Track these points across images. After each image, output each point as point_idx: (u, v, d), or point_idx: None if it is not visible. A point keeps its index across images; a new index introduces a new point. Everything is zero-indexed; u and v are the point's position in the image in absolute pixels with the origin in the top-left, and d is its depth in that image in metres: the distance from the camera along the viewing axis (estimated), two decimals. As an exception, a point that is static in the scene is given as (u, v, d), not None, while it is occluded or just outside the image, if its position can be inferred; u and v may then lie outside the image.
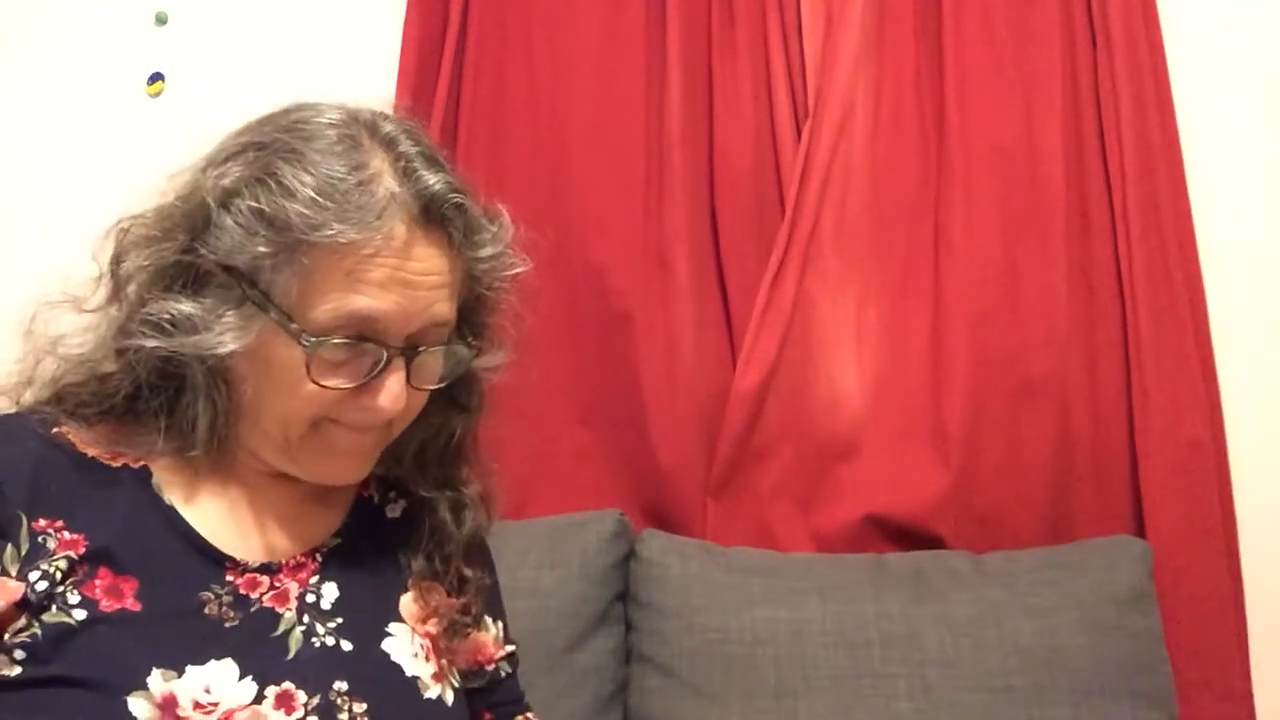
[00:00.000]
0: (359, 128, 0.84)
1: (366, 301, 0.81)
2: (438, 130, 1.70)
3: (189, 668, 0.79)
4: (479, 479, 1.00)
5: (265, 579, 0.87)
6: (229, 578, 0.86)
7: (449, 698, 0.92)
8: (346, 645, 0.87)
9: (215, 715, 0.79)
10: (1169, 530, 1.51)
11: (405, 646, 0.90)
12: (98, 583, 0.80)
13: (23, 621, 0.78)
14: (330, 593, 0.89)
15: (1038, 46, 1.62)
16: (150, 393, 0.85)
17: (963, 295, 1.59)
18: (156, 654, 0.79)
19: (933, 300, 1.62)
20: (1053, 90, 1.61)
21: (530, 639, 1.09)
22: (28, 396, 0.88)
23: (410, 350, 0.84)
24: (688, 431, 1.62)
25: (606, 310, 1.66)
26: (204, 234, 0.82)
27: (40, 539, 0.81)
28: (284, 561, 0.89)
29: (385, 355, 0.83)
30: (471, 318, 0.92)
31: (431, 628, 0.94)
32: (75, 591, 0.79)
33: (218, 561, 0.86)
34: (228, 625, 0.83)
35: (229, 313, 0.81)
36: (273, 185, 0.80)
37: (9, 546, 0.80)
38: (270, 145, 0.82)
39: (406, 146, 0.84)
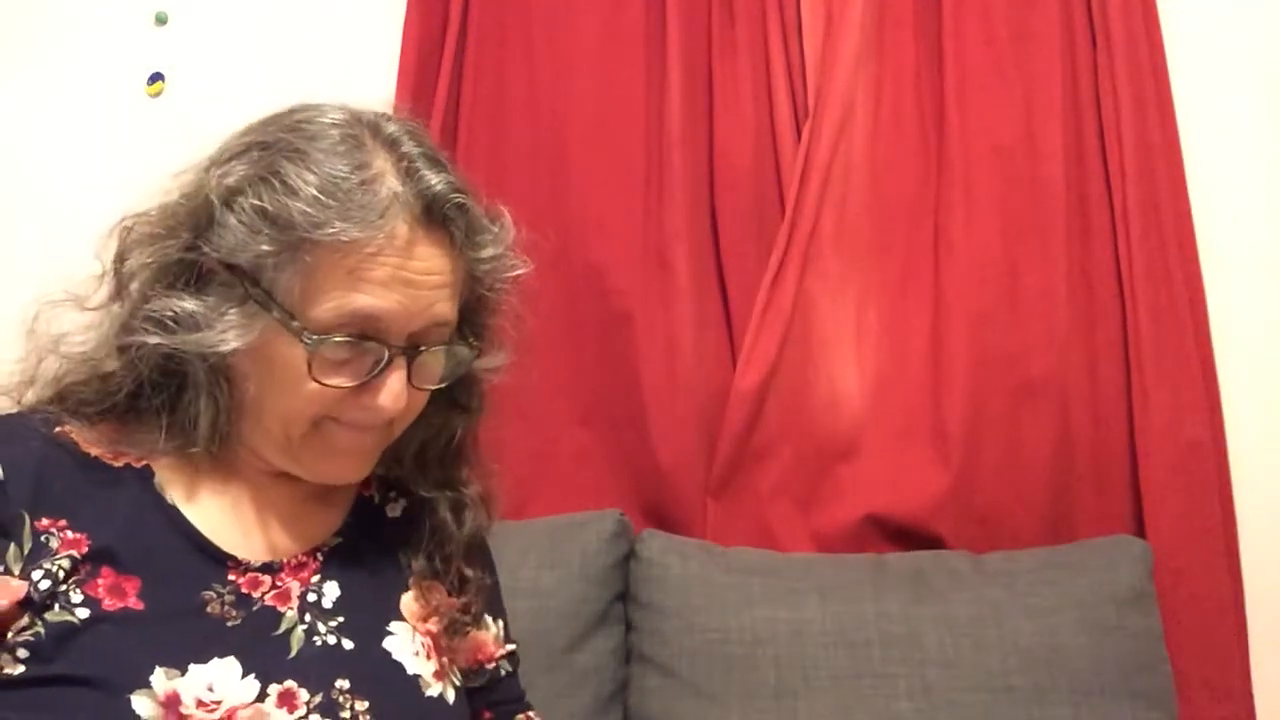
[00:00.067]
0: (362, 128, 0.85)
1: (368, 300, 0.81)
2: (438, 130, 1.70)
3: (192, 666, 0.79)
4: (479, 479, 1.01)
5: (267, 578, 0.88)
6: (231, 577, 0.86)
7: (450, 696, 0.92)
8: (348, 644, 0.87)
9: (218, 713, 0.79)
10: (1169, 530, 1.51)
11: (406, 645, 0.91)
12: (100, 582, 0.81)
13: (26, 620, 0.78)
14: (331, 591, 0.90)
15: (1038, 46, 1.62)
16: (152, 390, 0.86)
17: (963, 295, 1.59)
18: (159, 652, 0.79)
19: (933, 300, 1.62)
20: (1053, 90, 1.61)
21: (530, 639, 1.09)
22: (30, 396, 0.88)
23: (411, 350, 0.85)
24: (688, 431, 1.62)
25: (606, 310, 1.66)
26: (207, 232, 0.82)
27: (43, 538, 0.81)
28: (285, 561, 0.89)
29: (387, 354, 0.83)
30: (473, 319, 0.92)
31: (432, 626, 0.94)
32: (78, 590, 0.80)
33: (220, 561, 0.86)
34: (230, 624, 0.84)
35: (231, 311, 0.82)
36: (276, 184, 0.81)
37: (12, 545, 0.80)
38: (274, 145, 0.83)
39: (409, 147, 0.85)
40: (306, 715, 0.82)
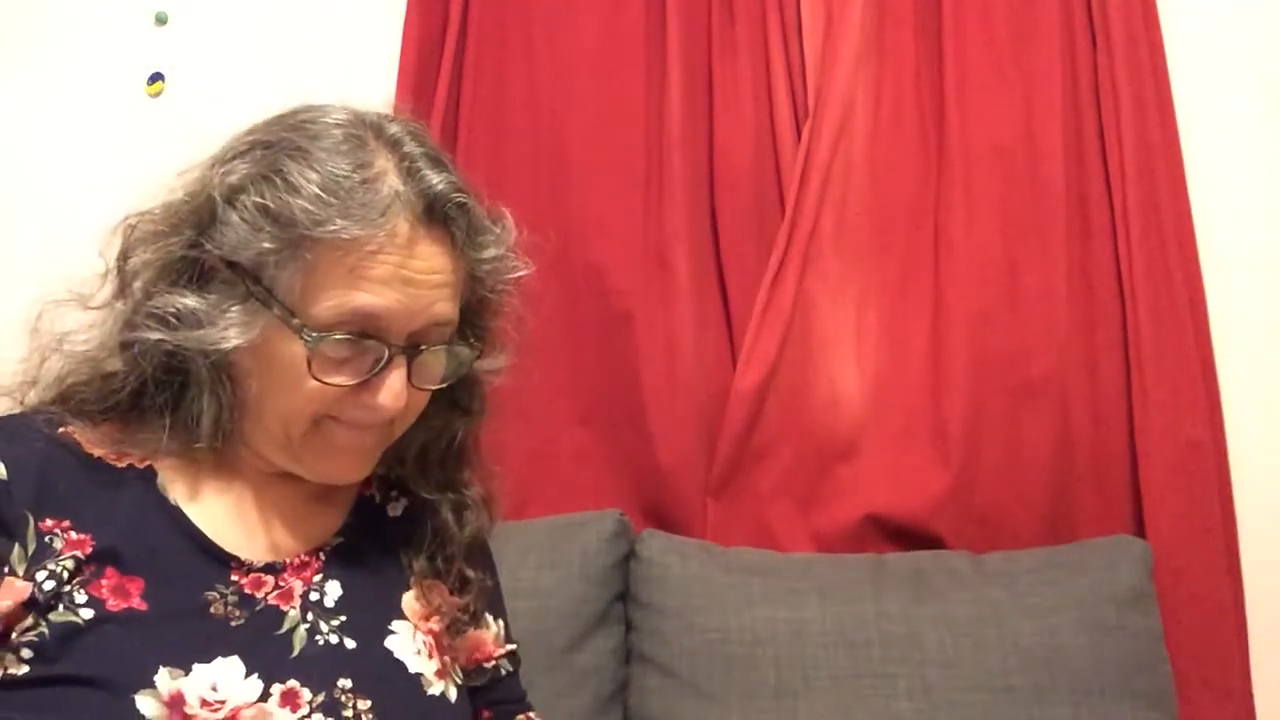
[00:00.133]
0: (365, 128, 0.85)
1: (368, 298, 0.81)
2: (438, 130, 1.70)
3: (196, 666, 0.80)
4: (481, 481, 1.01)
5: (270, 578, 0.88)
6: (234, 577, 0.86)
7: (452, 695, 0.92)
8: (350, 643, 0.88)
9: (222, 713, 0.79)
10: (1169, 530, 1.51)
11: (408, 644, 0.91)
12: (104, 582, 0.81)
13: (30, 621, 0.78)
14: (334, 591, 0.90)
15: (1038, 46, 1.62)
16: (155, 389, 0.86)
17: (963, 295, 1.59)
18: (163, 653, 0.79)
19: (933, 300, 1.62)
20: (1053, 90, 1.61)
21: (530, 639, 1.09)
22: (32, 396, 0.89)
23: (412, 349, 0.85)
24: (688, 431, 1.62)
25: (606, 310, 1.66)
26: (210, 230, 0.83)
27: (47, 539, 0.81)
28: (288, 560, 0.89)
29: (387, 353, 0.83)
30: (474, 320, 0.93)
31: (434, 625, 0.94)
32: (82, 591, 0.80)
33: (222, 561, 0.86)
34: (233, 624, 0.84)
35: (233, 308, 0.82)
36: (278, 182, 0.81)
37: (16, 546, 0.80)
38: (277, 144, 0.83)
39: (411, 147, 0.85)
40: (309, 714, 0.82)
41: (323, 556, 0.92)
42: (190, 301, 0.83)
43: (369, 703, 0.85)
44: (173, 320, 0.83)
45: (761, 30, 1.69)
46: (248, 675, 0.81)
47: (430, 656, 0.92)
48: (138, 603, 0.81)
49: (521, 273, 0.93)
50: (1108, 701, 1.34)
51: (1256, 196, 1.62)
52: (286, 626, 0.86)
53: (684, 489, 1.62)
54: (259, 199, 0.81)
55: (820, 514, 1.62)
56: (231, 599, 0.85)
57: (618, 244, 1.66)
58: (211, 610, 0.84)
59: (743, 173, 1.67)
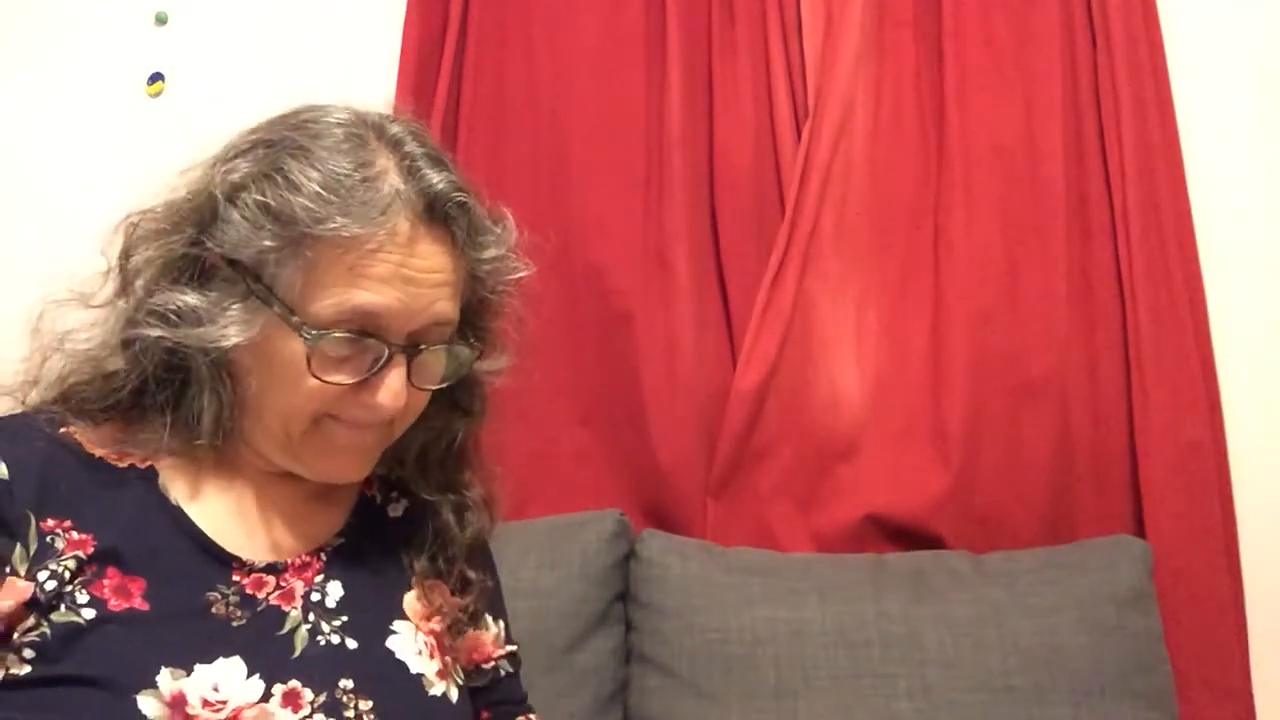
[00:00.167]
0: (366, 128, 0.86)
1: (368, 296, 0.81)
2: (438, 130, 1.70)
3: (197, 666, 0.80)
4: (481, 482, 1.01)
5: (271, 578, 0.88)
6: (235, 577, 0.86)
7: (453, 695, 0.92)
8: (352, 643, 0.88)
9: (224, 713, 0.79)
10: (1169, 530, 1.51)
11: (409, 644, 0.91)
12: (106, 582, 0.81)
13: (32, 621, 0.78)
14: (335, 591, 0.90)
15: (1038, 46, 1.62)
16: (157, 387, 0.86)
17: (963, 295, 1.59)
18: (165, 653, 0.79)
19: (933, 300, 1.62)
20: (1053, 90, 1.61)
21: (530, 639, 1.09)
22: (34, 396, 0.89)
23: (412, 348, 0.85)
24: (688, 431, 1.62)
25: (606, 310, 1.66)
26: (211, 228, 0.83)
27: (48, 539, 0.81)
28: (289, 561, 0.90)
29: (386, 352, 0.83)
30: (475, 321, 0.93)
31: (435, 625, 0.94)
32: (84, 591, 0.80)
33: (224, 561, 0.86)
34: (235, 624, 0.84)
35: (234, 306, 0.82)
36: (279, 180, 0.81)
37: (18, 546, 0.80)
38: (279, 143, 0.84)
39: (412, 147, 0.86)
40: (311, 715, 0.82)
41: (324, 557, 0.92)
42: (191, 299, 0.83)
43: (370, 703, 0.85)
44: (173, 317, 0.83)
45: (761, 30, 1.69)
46: (249, 676, 0.81)
47: (432, 657, 0.92)
48: (139, 603, 0.81)
49: (522, 274, 0.94)
50: (1108, 701, 1.34)
51: (1256, 196, 1.62)
52: (288, 627, 0.86)
53: (684, 489, 1.62)
54: (260, 197, 0.81)
55: (820, 514, 1.62)
56: (233, 599, 0.85)
57: (618, 244, 1.66)
58: (213, 610, 0.84)
59: (743, 173, 1.67)
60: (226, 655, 0.81)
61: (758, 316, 1.62)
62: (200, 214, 0.84)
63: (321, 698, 0.83)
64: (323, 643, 0.86)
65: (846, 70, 1.65)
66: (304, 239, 0.80)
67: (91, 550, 0.81)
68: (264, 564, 0.88)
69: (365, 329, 0.83)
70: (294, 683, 0.83)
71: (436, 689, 0.90)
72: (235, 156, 0.84)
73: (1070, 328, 1.57)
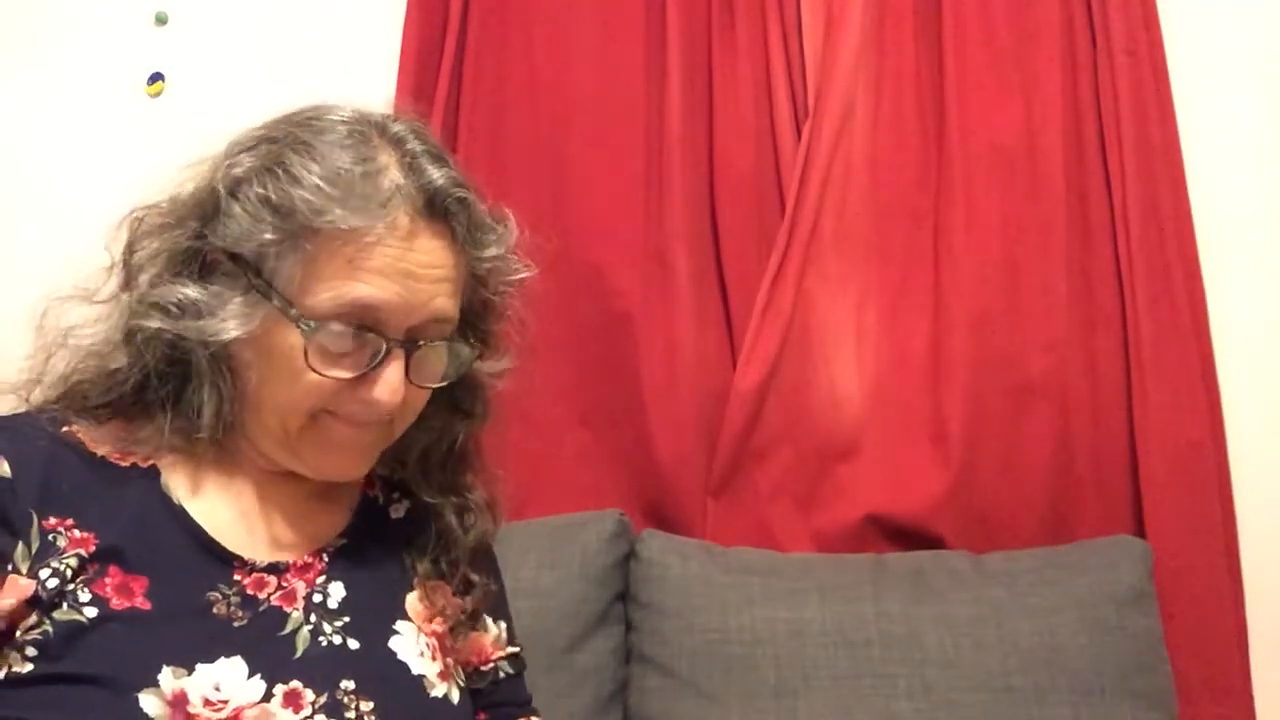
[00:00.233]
0: (369, 126, 0.86)
1: (367, 290, 0.82)
2: (438, 130, 1.69)
3: (199, 666, 0.80)
4: (483, 485, 1.01)
5: (273, 579, 0.88)
6: (236, 577, 0.86)
7: (455, 696, 0.92)
8: (353, 644, 0.88)
9: (225, 713, 0.79)
10: (1169, 530, 1.51)
11: (411, 645, 0.91)
12: (108, 581, 0.81)
13: (34, 619, 0.78)
14: (337, 592, 0.90)
15: (1038, 46, 1.62)
16: (158, 381, 0.86)
17: (963, 295, 1.59)
18: (167, 652, 0.79)
19: (933, 300, 1.62)
20: (1053, 90, 1.61)
21: (530, 639, 1.09)
22: (37, 395, 0.89)
23: (410, 343, 0.85)
24: (688, 431, 1.62)
25: (606, 311, 1.66)
26: (213, 221, 0.84)
27: (50, 537, 0.81)
28: (291, 561, 0.90)
29: (384, 346, 0.83)
30: (477, 323, 0.93)
31: (437, 626, 0.94)
32: (86, 589, 0.80)
33: (225, 561, 0.86)
34: (236, 624, 0.84)
35: (234, 300, 0.83)
36: (280, 174, 0.82)
37: (20, 544, 0.80)
38: (282, 139, 0.85)
39: (414, 144, 0.86)
40: (312, 715, 0.82)
41: (326, 558, 0.92)
42: (192, 292, 0.83)
43: (371, 704, 0.85)
44: (174, 310, 0.83)
45: (761, 30, 1.69)
46: (250, 675, 0.81)
47: (434, 658, 0.92)
48: (141, 601, 0.81)
49: (524, 275, 0.94)
50: (1108, 701, 1.34)
51: (1256, 196, 1.62)
52: (290, 628, 0.86)
53: (684, 489, 1.62)
54: (261, 190, 0.82)
55: (820, 514, 1.62)
56: (234, 599, 0.85)
57: (618, 244, 1.66)
58: (214, 610, 0.84)
59: (743, 173, 1.67)
60: (228, 655, 0.81)
61: (758, 316, 1.62)
62: (203, 208, 0.85)
63: (322, 698, 0.83)
64: (324, 643, 0.86)
65: (846, 70, 1.65)
66: (303, 231, 0.81)
67: (93, 549, 0.81)
68: (265, 564, 0.88)
69: (364, 323, 0.83)
70: (295, 683, 0.83)
71: (438, 690, 0.90)
72: (240, 152, 0.85)
73: (1070, 328, 1.57)
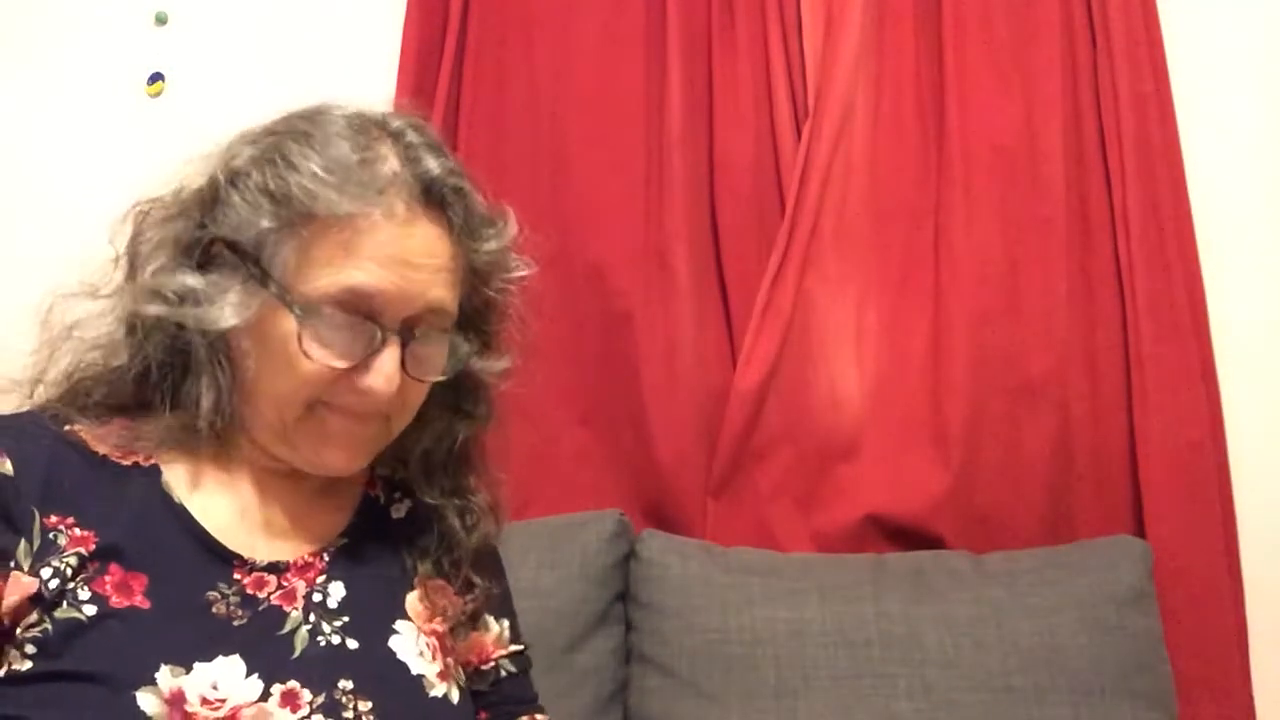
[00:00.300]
0: (369, 121, 0.87)
1: (362, 276, 0.82)
2: (438, 129, 1.69)
3: (197, 664, 0.80)
4: (486, 488, 1.01)
5: (273, 578, 0.88)
6: (236, 576, 0.86)
7: (454, 696, 0.92)
8: (352, 644, 0.87)
9: (222, 712, 0.79)
10: (1169, 530, 1.51)
11: (411, 645, 0.90)
12: (108, 579, 0.81)
13: (35, 617, 0.78)
14: (337, 591, 0.90)
15: (1038, 46, 1.63)
16: (159, 373, 0.86)
17: (963, 295, 1.59)
18: (165, 650, 0.79)
19: (933, 300, 1.62)
20: (1053, 90, 1.61)
21: (530, 639, 1.09)
22: (40, 393, 0.89)
23: (405, 332, 0.85)
24: (688, 431, 1.62)
25: (606, 310, 1.66)
26: (214, 211, 0.85)
27: (51, 535, 0.81)
28: (292, 561, 0.89)
29: (380, 334, 0.84)
30: (478, 322, 0.93)
31: (437, 626, 0.94)
32: (86, 587, 0.80)
33: (226, 560, 0.86)
34: (235, 624, 0.84)
35: (233, 288, 0.83)
36: (279, 162, 0.83)
37: (22, 541, 0.80)
38: (283, 131, 0.86)
39: (413, 136, 0.87)
40: (309, 715, 0.82)
41: (326, 557, 0.91)
42: (192, 281, 0.84)
43: (370, 704, 0.84)
44: (174, 298, 0.84)
45: (761, 30, 1.70)
46: (248, 675, 0.81)
47: (433, 658, 0.91)
48: (140, 600, 0.81)
49: (524, 273, 0.94)
50: (1108, 701, 1.34)
51: (1256, 196, 1.62)
52: (289, 627, 0.86)
53: (684, 489, 1.62)
54: (260, 179, 0.83)
55: (820, 514, 1.62)
56: (234, 599, 0.85)
57: (618, 244, 1.66)
58: (214, 609, 0.84)
59: (743, 173, 1.67)
60: (226, 654, 0.81)
61: (758, 316, 1.63)
62: (204, 199, 0.85)
63: (320, 698, 0.83)
64: (323, 643, 0.86)
65: (846, 70, 1.65)
66: (300, 218, 0.81)
67: (93, 547, 0.81)
68: (266, 563, 0.88)
69: (359, 310, 0.83)
70: (293, 683, 0.82)
71: (437, 690, 0.90)
72: (241, 145, 0.86)
73: (1070, 328, 1.57)
